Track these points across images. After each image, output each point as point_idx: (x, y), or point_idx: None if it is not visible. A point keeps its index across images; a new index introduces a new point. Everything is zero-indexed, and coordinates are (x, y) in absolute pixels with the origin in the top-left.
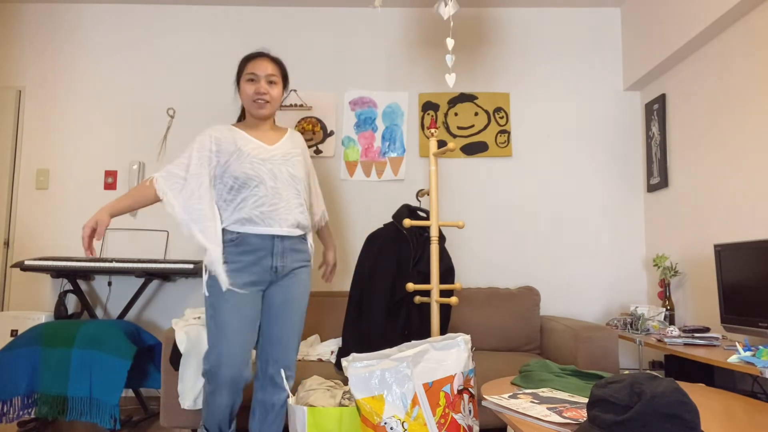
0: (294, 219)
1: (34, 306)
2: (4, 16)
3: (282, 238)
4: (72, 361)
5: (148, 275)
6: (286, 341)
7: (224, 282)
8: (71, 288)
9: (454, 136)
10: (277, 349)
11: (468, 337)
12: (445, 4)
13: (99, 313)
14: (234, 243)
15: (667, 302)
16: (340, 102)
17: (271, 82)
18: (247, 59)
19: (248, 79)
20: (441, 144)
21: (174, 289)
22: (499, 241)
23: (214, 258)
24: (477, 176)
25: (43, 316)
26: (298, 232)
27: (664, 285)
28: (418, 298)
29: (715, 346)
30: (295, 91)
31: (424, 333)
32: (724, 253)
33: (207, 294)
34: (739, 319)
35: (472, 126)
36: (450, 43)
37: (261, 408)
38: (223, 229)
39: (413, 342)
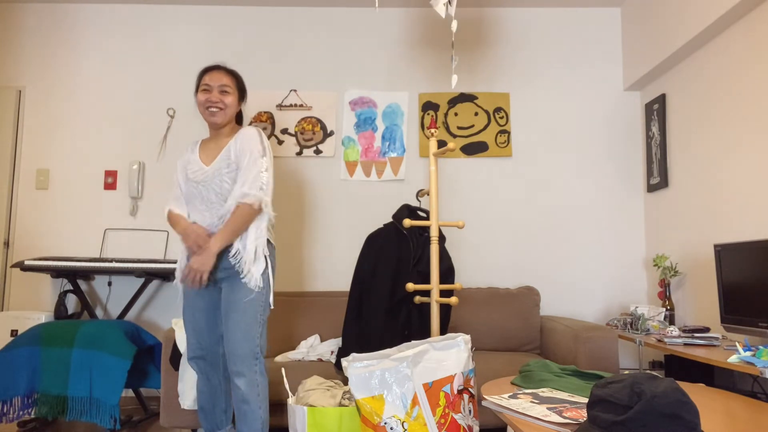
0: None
1: (34, 306)
2: (4, 16)
3: None
4: (72, 361)
5: (148, 275)
6: (228, 337)
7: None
8: (71, 288)
9: (454, 136)
10: (226, 346)
11: (468, 337)
12: (444, 3)
13: (99, 313)
14: None
15: (667, 302)
16: (340, 102)
17: (224, 92)
18: (203, 72)
19: (202, 89)
20: (441, 144)
21: (174, 289)
22: (498, 241)
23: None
24: (477, 176)
25: (43, 316)
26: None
27: (664, 285)
28: (418, 298)
29: (715, 346)
30: (295, 91)
31: (424, 333)
32: (724, 253)
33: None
34: (739, 319)
35: (472, 126)
36: (452, 44)
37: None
38: None
39: (413, 342)
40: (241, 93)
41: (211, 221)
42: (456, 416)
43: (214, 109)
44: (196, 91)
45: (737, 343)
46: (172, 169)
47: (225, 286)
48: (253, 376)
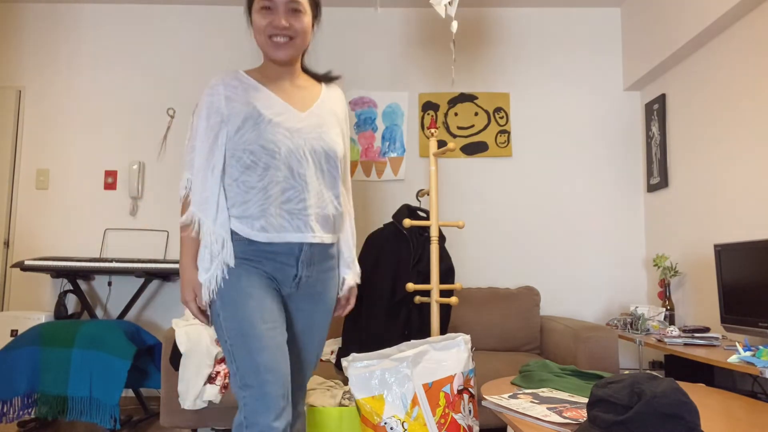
0: (324, 216)
1: (34, 306)
2: (4, 16)
3: (311, 244)
4: (72, 361)
5: (148, 275)
6: (310, 362)
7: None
8: (71, 288)
9: (454, 136)
10: (297, 374)
11: (468, 337)
12: (444, 3)
13: (99, 313)
14: (245, 242)
15: (667, 302)
16: None
17: (294, 10)
18: None
19: (262, 6)
20: (441, 144)
21: (174, 289)
22: (499, 241)
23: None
24: (477, 176)
25: (43, 316)
26: (331, 238)
27: (664, 285)
28: (418, 298)
29: (715, 346)
30: None
31: (424, 333)
32: (724, 253)
33: (216, 302)
34: (739, 319)
35: (472, 126)
36: (453, 43)
37: None
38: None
39: (413, 342)
40: (316, 9)
41: (319, 188)
42: (456, 416)
43: (281, 39)
44: (248, 11)
45: (737, 343)
46: (172, 170)
47: (308, 300)
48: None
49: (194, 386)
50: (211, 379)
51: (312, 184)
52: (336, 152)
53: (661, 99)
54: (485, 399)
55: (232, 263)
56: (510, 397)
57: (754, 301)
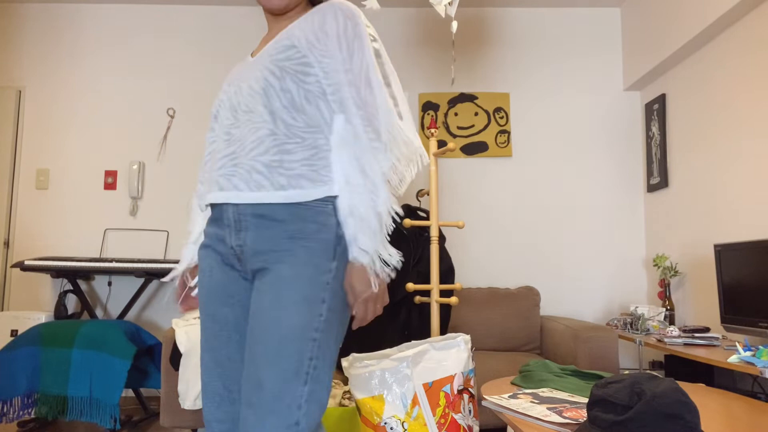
0: (245, 169)
1: (34, 306)
2: (4, 16)
3: (234, 205)
4: (72, 361)
5: (148, 275)
6: (250, 379)
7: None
8: (71, 288)
9: (454, 136)
10: (244, 391)
11: (468, 337)
12: (445, 3)
13: (99, 313)
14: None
15: (667, 302)
16: None
17: None
18: None
19: None
20: (441, 144)
21: (174, 289)
22: (498, 241)
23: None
24: (477, 176)
25: (43, 316)
26: (265, 197)
27: (664, 285)
28: (418, 298)
29: (715, 346)
30: None
31: (424, 333)
32: (724, 253)
33: None
34: (739, 319)
35: (472, 126)
36: (453, 43)
37: None
38: None
39: (413, 342)
40: None
41: (243, 134)
42: (456, 416)
43: None
44: None
45: (737, 343)
46: (173, 169)
47: (256, 285)
48: None
49: (194, 386)
50: None
51: (236, 134)
52: (249, 87)
53: (661, 99)
54: (485, 399)
55: (196, 247)
56: (510, 397)
57: (754, 301)
